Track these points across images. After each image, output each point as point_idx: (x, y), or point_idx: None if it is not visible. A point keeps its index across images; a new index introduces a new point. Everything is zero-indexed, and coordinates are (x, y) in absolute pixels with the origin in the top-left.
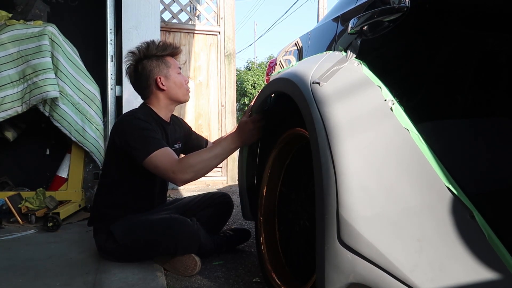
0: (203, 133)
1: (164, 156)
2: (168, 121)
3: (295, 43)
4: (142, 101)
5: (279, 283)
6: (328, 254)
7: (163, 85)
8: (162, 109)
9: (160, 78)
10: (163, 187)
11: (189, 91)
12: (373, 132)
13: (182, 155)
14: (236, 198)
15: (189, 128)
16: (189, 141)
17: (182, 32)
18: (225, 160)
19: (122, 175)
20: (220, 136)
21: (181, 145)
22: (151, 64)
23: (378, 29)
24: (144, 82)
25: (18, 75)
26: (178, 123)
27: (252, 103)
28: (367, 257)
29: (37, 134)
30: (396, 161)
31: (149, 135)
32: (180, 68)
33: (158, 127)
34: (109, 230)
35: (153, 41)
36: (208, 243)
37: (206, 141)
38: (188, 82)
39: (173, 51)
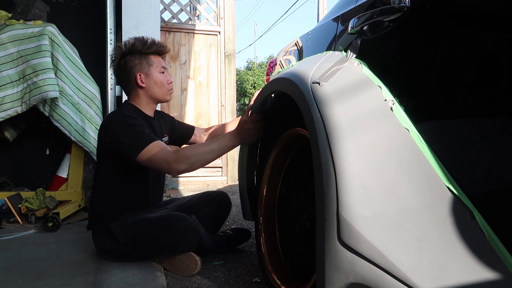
0: None
1: (157, 148)
2: (153, 116)
3: (295, 43)
4: None
5: (279, 283)
6: (328, 254)
7: (143, 83)
8: (144, 106)
9: (140, 75)
10: (159, 184)
11: (171, 91)
12: (373, 132)
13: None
14: (236, 198)
15: (172, 118)
16: (174, 132)
17: (182, 32)
18: (225, 160)
19: (115, 174)
20: (219, 123)
21: (167, 138)
22: (134, 60)
23: (378, 29)
24: (125, 77)
25: (18, 75)
26: (161, 117)
27: (251, 102)
28: (367, 257)
29: (37, 134)
30: (396, 161)
31: (139, 131)
32: (164, 68)
33: (145, 122)
34: (108, 230)
35: (141, 38)
36: (208, 240)
37: (192, 127)
38: (171, 82)
39: (159, 49)
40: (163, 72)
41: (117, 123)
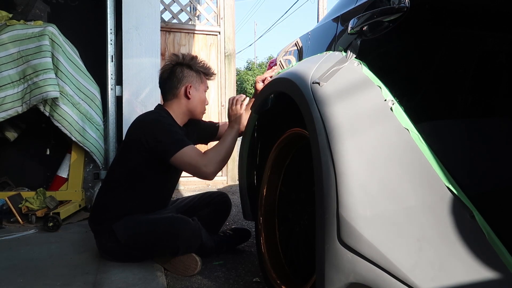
0: None
1: (193, 152)
2: (182, 126)
3: (295, 43)
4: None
5: (279, 283)
6: (328, 254)
7: (190, 94)
8: (177, 115)
9: (190, 86)
10: (172, 190)
11: (204, 112)
12: (373, 132)
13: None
14: (236, 198)
15: (197, 121)
16: (200, 133)
17: (182, 32)
18: None
19: (134, 174)
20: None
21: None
22: (190, 72)
23: (378, 29)
24: (174, 83)
25: (19, 75)
26: (190, 124)
27: (256, 94)
28: (367, 257)
29: (37, 134)
30: (396, 161)
31: (177, 132)
32: (206, 90)
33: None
34: (111, 230)
35: (196, 57)
36: (209, 242)
37: (216, 125)
38: (207, 104)
39: (208, 72)
40: (205, 92)
41: (156, 123)
